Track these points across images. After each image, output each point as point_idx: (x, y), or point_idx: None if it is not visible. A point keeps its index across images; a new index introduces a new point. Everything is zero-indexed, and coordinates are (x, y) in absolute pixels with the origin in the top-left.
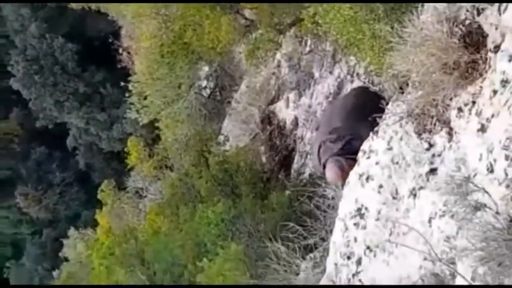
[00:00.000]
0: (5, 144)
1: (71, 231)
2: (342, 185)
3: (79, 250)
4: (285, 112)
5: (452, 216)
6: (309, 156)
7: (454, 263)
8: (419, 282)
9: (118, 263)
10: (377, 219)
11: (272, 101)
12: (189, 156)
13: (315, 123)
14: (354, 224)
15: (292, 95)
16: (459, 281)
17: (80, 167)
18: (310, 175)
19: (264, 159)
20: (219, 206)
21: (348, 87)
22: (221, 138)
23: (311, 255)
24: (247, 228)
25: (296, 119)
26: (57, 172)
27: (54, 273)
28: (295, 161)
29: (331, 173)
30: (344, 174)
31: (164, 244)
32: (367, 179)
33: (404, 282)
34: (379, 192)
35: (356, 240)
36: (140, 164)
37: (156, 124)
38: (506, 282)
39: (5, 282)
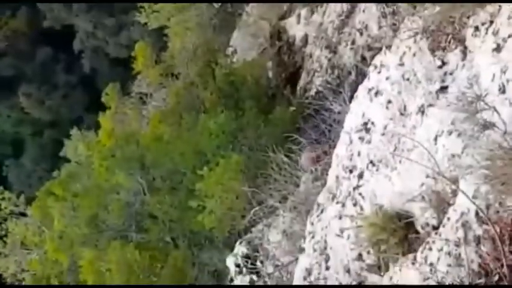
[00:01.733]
0: (11, 42)
1: (73, 132)
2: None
3: (79, 151)
4: (295, 28)
5: (458, 135)
6: (316, 74)
7: (456, 181)
8: (419, 199)
9: (119, 165)
10: (383, 134)
11: (283, 16)
12: (196, 66)
13: (325, 42)
14: (359, 138)
15: (304, 11)
16: (460, 200)
17: (84, 71)
18: (316, 92)
19: (270, 74)
20: (221, 117)
21: (361, 6)
22: (229, 50)
23: (312, 168)
24: (248, 141)
25: (306, 36)
26: (62, 74)
27: (54, 173)
28: (302, 78)
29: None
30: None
31: (165, 151)
32: (376, 93)
33: (404, 198)
34: (387, 107)
35: (359, 154)
36: (146, 70)
37: (164, 31)
38: (508, 202)
39: (3, 180)
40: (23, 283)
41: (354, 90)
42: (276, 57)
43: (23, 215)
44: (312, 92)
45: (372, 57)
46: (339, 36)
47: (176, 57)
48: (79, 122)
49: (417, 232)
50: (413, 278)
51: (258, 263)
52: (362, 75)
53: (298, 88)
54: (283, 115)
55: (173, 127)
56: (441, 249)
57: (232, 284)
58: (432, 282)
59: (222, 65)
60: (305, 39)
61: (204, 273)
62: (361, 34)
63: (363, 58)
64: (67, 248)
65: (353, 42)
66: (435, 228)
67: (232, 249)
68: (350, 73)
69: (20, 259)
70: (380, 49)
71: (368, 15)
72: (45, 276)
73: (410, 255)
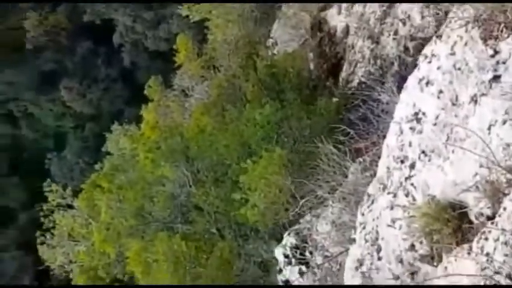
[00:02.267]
0: (52, 37)
1: (115, 126)
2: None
3: (121, 145)
4: (336, 19)
5: None
6: (358, 65)
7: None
8: (474, 189)
9: (164, 158)
10: (434, 124)
11: (324, 8)
12: (237, 58)
13: (367, 32)
14: (410, 128)
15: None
16: None
17: (125, 64)
18: (359, 83)
19: (312, 66)
20: (267, 108)
21: None
22: (270, 42)
23: (361, 159)
24: (292, 132)
25: (347, 27)
26: (102, 68)
27: (96, 166)
28: (344, 69)
29: None
30: None
31: (210, 143)
32: (427, 83)
33: (457, 188)
34: (438, 97)
35: (410, 144)
36: (188, 63)
37: (205, 24)
38: None
39: (46, 173)
40: (71, 275)
41: (397, 80)
42: (317, 48)
43: (70, 207)
44: (355, 83)
45: (416, 48)
46: (381, 26)
47: (217, 49)
48: (119, 115)
49: (471, 222)
50: (469, 268)
51: (307, 254)
52: (405, 66)
53: (340, 79)
54: (327, 106)
55: (216, 119)
56: (497, 239)
57: (280, 274)
58: (489, 273)
59: (263, 57)
60: (346, 30)
61: (250, 264)
62: (404, 24)
63: (406, 48)
64: (114, 240)
65: (396, 33)
66: (490, 218)
67: (278, 240)
68: (392, 64)
69: (68, 251)
70: (423, 39)
71: (410, 5)
72: (92, 267)
73: (465, 245)
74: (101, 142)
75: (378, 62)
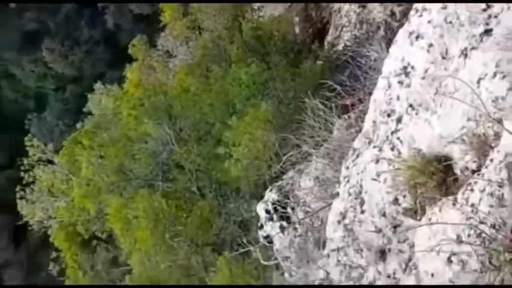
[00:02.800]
0: None
1: (97, 86)
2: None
3: (104, 105)
4: None
5: (503, 77)
6: (344, 29)
7: (500, 122)
8: (460, 142)
9: (147, 115)
10: (423, 78)
11: None
12: (223, 19)
13: None
14: (398, 82)
15: None
16: (504, 141)
17: (108, 27)
18: (344, 47)
19: (297, 30)
20: (253, 67)
21: None
22: (256, 5)
23: (346, 115)
24: (277, 92)
25: None
26: (85, 29)
27: (78, 125)
28: (329, 33)
29: None
30: None
31: (193, 102)
32: (417, 37)
33: (444, 142)
34: (428, 51)
35: (398, 98)
36: (173, 23)
37: None
38: None
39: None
40: (50, 230)
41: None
42: (303, 12)
43: (51, 162)
44: (340, 47)
45: (402, 13)
46: None
47: (203, 10)
48: (101, 78)
49: (456, 176)
50: (454, 218)
51: (289, 210)
52: (391, 31)
53: (325, 43)
54: (312, 68)
55: (200, 79)
56: (483, 190)
57: (261, 229)
58: (474, 222)
59: (249, 19)
60: None
61: (230, 223)
62: None
63: (393, 13)
64: (94, 195)
65: None
66: (475, 171)
67: (259, 199)
68: (379, 28)
69: (47, 206)
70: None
71: None
72: (71, 223)
73: (451, 197)
74: (82, 105)
75: (365, 26)
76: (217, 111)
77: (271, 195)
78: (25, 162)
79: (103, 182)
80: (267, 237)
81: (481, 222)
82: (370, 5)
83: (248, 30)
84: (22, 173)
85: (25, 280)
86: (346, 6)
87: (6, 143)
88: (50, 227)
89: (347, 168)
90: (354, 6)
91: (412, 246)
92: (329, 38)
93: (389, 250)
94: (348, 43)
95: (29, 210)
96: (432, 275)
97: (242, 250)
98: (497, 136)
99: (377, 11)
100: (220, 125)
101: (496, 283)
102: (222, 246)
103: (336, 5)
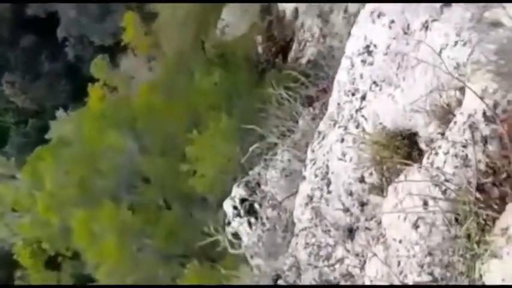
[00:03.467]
0: None
1: (59, 113)
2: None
3: (65, 131)
4: (285, 3)
5: (464, 44)
6: (307, 44)
7: (462, 89)
8: (424, 113)
9: (110, 127)
10: (386, 54)
11: None
12: (186, 37)
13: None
14: (362, 61)
15: None
16: (467, 102)
17: (69, 59)
18: (307, 62)
19: (260, 49)
20: (216, 75)
21: None
22: (220, 23)
23: (311, 106)
24: (241, 102)
25: (297, 10)
26: (46, 62)
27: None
28: (293, 48)
29: None
30: None
31: (157, 115)
32: (378, 15)
33: (407, 115)
34: (390, 27)
35: (361, 76)
36: (135, 41)
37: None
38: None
39: None
40: (13, 248)
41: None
42: (266, 32)
43: (14, 178)
44: (304, 61)
45: None
46: (331, 5)
47: (165, 29)
48: (63, 110)
49: (420, 150)
50: (420, 182)
51: (256, 205)
52: None
53: (289, 59)
54: (276, 77)
55: (163, 94)
56: (447, 152)
57: (229, 225)
58: (439, 180)
59: (212, 39)
60: (296, 12)
61: (198, 233)
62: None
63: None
64: (58, 208)
65: (346, 11)
66: None
67: None
68: (341, 42)
69: (11, 223)
70: None
71: None
72: (36, 239)
73: (416, 164)
74: (44, 138)
75: (327, 39)
76: (181, 123)
77: (238, 191)
78: None
79: (66, 195)
80: (234, 234)
81: (446, 181)
82: (333, 19)
83: (211, 48)
84: None
85: None
86: (308, 21)
87: None
88: (14, 244)
89: (313, 151)
90: (317, 21)
91: (379, 223)
92: (292, 53)
93: (357, 228)
94: (312, 57)
95: None
96: (400, 241)
97: (210, 239)
98: (460, 104)
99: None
100: (183, 138)
101: (462, 234)
102: (189, 258)
103: (299, 21)
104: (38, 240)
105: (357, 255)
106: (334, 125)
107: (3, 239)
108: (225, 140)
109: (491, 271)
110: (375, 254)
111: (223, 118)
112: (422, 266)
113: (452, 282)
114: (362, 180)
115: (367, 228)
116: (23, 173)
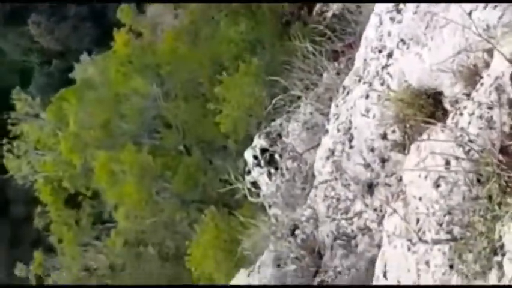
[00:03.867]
0: None
1: (83, 57)
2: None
3: (90, 74)
4: None
5: (495, 7)
6: None
7: (490, 51)
8: (450, 73)
9: (135, 72)
10: (415, 13)
11: None
12: None
13: None
14: (390, 19)
15: None
16: (495, 64)
17: (95, 3)
18: (333, 16)
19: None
20: (242, 25)
21: None
22: None
23: (336, 61)
24: (266, 51)
25: None
26: (72, 5)
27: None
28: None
29: None
30: None
31: (182, 60)
32: None
33: (434, 74)
34: None
35: (389, 34)
36: None
37: None
38: None
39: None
40: (35, 185)
41: None
42: None
43: (38, 116)
44: (329, 15)
45: None
46: None
47: None
48: (87, 54)
49: (445, 109)
50: (443, 142)
51: (276, 156)
52: None
53: (314, 12)
54: (302, 31)
55: (188, 41)
56: (472, 113)
57: (249, 174)
58: (463, 140)
59: None
60: None
61: (216, 181)
62: None
63: None
64: (80, 150)
65: None
66: None
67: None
68: None
69: (33, 161)
70: None
71: None
72: (57, 178)
73: (439, 123)
74: (67, 79)
75: None
76: (205, 70)
77: (259, 141)
78: (12, 115)
79: (89, 137)
80: (253, 183)
81: (470, 141)
82: None
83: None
84: (9, 126)
85: (8, 252)
86: None
87: None
88: (35, 181)
89: (336, 106)
90: None
91: (400, 180)
92: (317, 6)
93: (377, 184)
94: (337, 12)
95: (15, 164)
96: (420, 198)
97: (229, 187)
98: (487, 65)
99: None
100: (208, 83)
101: (483, 195)
102: (207, 204)
103: None
104: (59, 178)
105: (375, 209)
106: (359, 80)
107: (25, 176)
108: (253, 83)
109: (511, 233)
110: (395, 210)
111: (253, 60)
112: (441, 225)
113: (471, 242)
114: (384, 137)
115: (387, 184)
116: (47, 113)
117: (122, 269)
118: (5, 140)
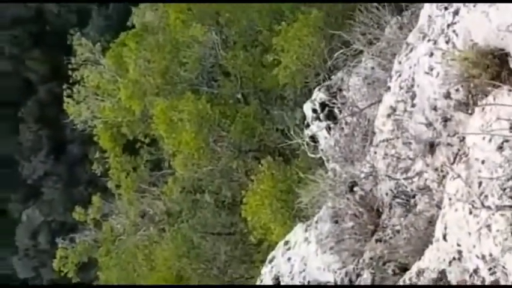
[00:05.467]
0: None
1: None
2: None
3: (147, 19)
4: None
5: None
6: None
7: None
8: None
9: (195, 19)
10: None
11: None
12: None
13: None
14: None
15: None
16: None
17: None
18: None
19: None
20: None
21: None
22: None
23: (399, 17)
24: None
25: None
26: None
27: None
28: None
29: None
30: None
31: (241, 8)
32: None
33: (501, 34)
34: None
35: None
36: None
37: None
38: None
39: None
40: (94, 130)
41: None
42: None
43: (98, 63)
44: None
45: None
46: None
47: None
48: None
49: (510, 71)
50: (509, 104)
51: (336, 110)
52: None
53: None
54: None
55: None
56: None
57: (309, 128)
58: None
59: None
60: None
61: (273, 130)
62: None
63: None
64: (140, 97)
65: None
66: None
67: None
68: None
69: (93, 106)
70: None
71: None
72: (117, 124)
73: (506, 87)
74: (125, 22)
75: None
76: (265, 18)
77: (319, 94)
78: (73, 61)
79: (149, 84)
80: (312, 136)
81: None
82: None
83: None
84: (70, 72)
85: (64, 192)
86: None
87: (48, 57)
88: (94, 126)
89: (399, 63)
90: None
91: (462, 140)
92: None
93: (439, 143)
94: None
95: (75, 109)
96: (483, 162)
97: (289, 142)
98: None
99: None
100: (267, 32)
101: None
102: (264, 153)
103: None
104: (118, 124)
105: (436, 169)
106: (423, 38)
107: (84, 120)
108: (312, 34)
109: None
110: (458, 175)
111: (313, 11)
112: (504, 190)
113: None
114: (447, 96)
115: (449, 144)
116: (107, 59)
117: (178, 215)
118: (65, 85)
